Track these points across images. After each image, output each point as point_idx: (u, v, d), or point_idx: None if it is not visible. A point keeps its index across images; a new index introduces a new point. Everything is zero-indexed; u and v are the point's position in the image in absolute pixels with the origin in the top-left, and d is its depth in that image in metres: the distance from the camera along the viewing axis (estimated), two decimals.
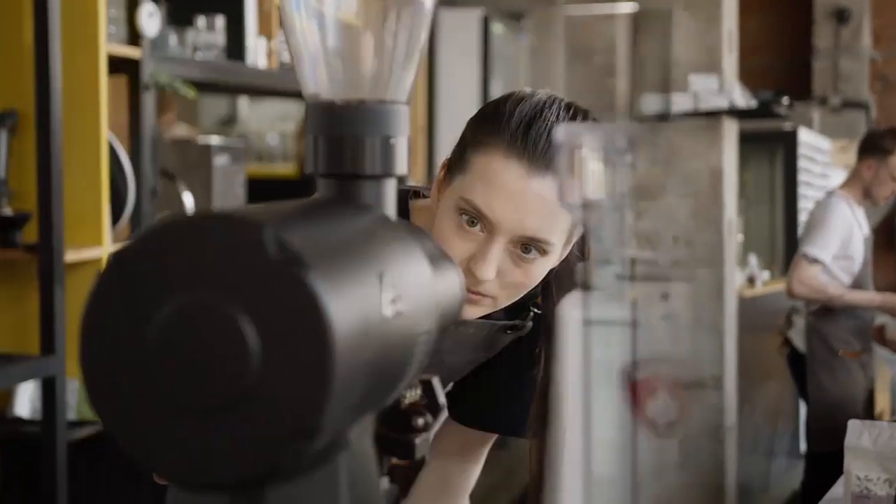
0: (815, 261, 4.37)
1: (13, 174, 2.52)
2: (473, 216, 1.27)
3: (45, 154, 2.44)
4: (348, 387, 0.64)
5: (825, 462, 4.46)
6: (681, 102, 5.16)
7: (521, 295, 1.33)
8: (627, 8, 5.52)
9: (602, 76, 5.35)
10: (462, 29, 4.97)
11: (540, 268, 1.30)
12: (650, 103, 5.24)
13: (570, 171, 0.75)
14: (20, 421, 2.96)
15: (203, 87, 3.48)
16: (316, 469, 0.69)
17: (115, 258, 0.65)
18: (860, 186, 4.53)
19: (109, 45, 2.64)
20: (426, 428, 0.88)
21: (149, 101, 2.78)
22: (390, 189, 0.82)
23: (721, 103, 5.14)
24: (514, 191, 1.25)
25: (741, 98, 5.40)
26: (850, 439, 2.06)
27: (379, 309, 0.69)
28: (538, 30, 5.74)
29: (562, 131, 0.73)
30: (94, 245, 2.55)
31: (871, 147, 4.53)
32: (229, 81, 3.33)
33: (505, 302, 1.32)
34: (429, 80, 4.73)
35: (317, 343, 0.61)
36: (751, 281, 5.54)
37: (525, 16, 5.76)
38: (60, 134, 2.46)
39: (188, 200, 3.05)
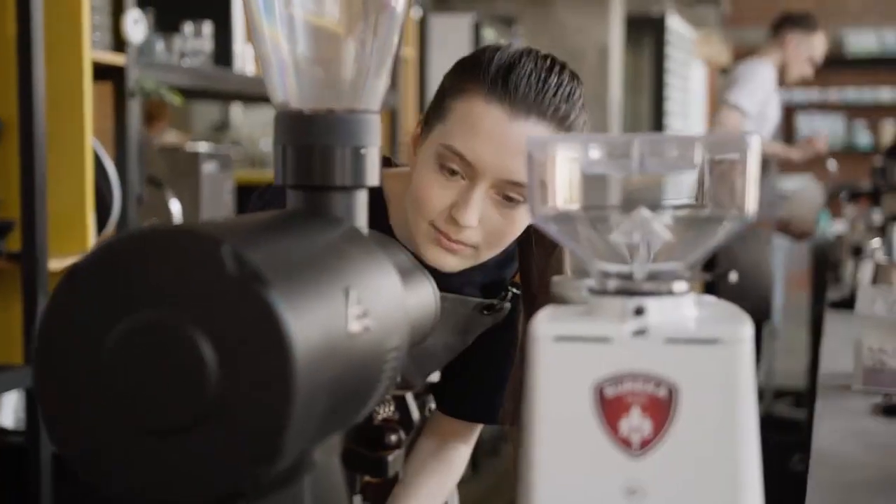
0: (735, 107, 4.43)
1: None
2: (454, 164, 1.25)
3: (29, 161, 2.41)
4: (311, 406, 0.62)
5: None
6: None
7: (504, 247, 1.31)
8: None
9: None
10: (454, 34, 4.95)
11: (523, 216, 1.28)
12: None
13: (543, 182, 0.73)
14: (4, 431, 2.93)
15: (190, 93, 3.46)
16: (280, 491, 0.67)
17: (71, 272, 0.63)
18: (777, 61, 4.59)
19: (94, 51, 2.62)
20: (399, 444, 0.86)
21: (134, 108, 2.75)
22: (361, 200, 0.80)
23: None
24: (495, 134, 1.24)
25: None
26: (861, 307, 1.90)
27: (344, 325, 0.67)
28: (531, 34, 5.74)
29: (534, 142, 0.72)
30: (79, 253, 2.52)
31: (797, 22, 4.59)
32: (217, 88, 3.31)
33: (487, 253, 1.30)
34: (420, 86, 4.71)
35: (276, 361, 0.59)
36: None
37: (517, 20, 5.76)
38: (44, 141, 2.44)
39: (175, 208, 3.03)
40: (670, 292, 0.70)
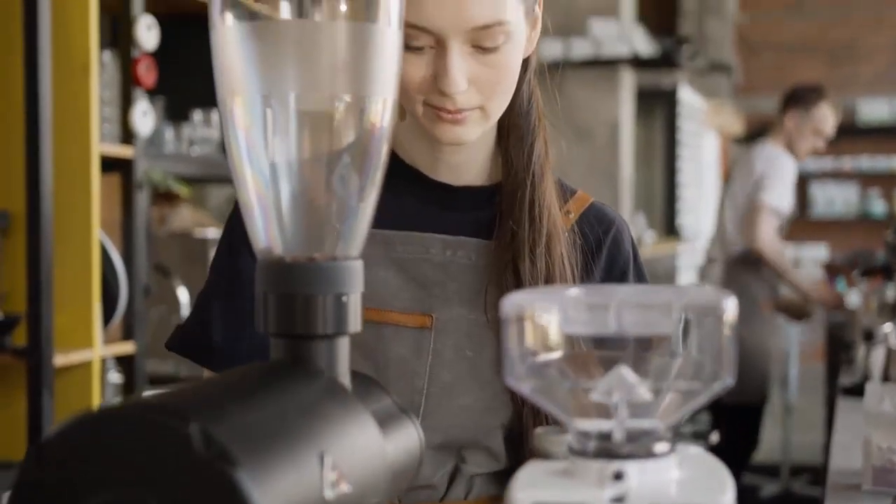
0: (774, 210, 4.41)
1: (4, 276, 2.50)
2: (417, 40, 1.15)
3: (35, 255, 2.42)
4: None
5: (733, 414, 4.47)
6: (580, 47, 5.16)
7: (508, 93, 1.21)
8: None
9: None
10: None
11: (511, 55, 1.19)
12: (547, 49, 5.27)
13: (519, 341, 0.72)
14: None
15: (200, 179, 3.48)
16: None
17: (39, 447, 0.62)
18: (784, 140, 4.59)
19: (102, 144, 2.64)
20: None
21: (142, 199, 2.77)
22: (343, 347, 0.80)
23: (622, 50, 5.14)
24: None
25: (644, 44, 5.39)
26: (869, 404, 1.84)
27: (319, 493, 0.66)
28: None
29: (510, 304, 0.71)
30: (85, 347, 2.52)
31: (796, 100, 4.59)
32: (225, 175, 3.33)
33: (496, 106, 1.21)
34: None
35: None
36: (637, 241, 5.55)
37: None
38: (51, 235, 2.45)
39: (183, 296, 3.03)
40: (651, 454, 0.69)
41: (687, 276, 7.14)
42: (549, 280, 1.26)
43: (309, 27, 0.79)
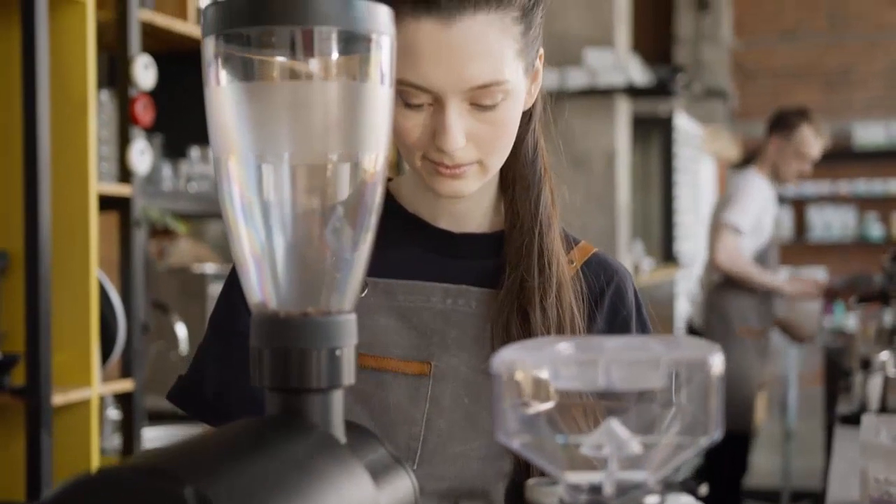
0: (735, 229, 4.44)
1: (3, 315, 2.51)
2: (414, 98, 1.16)
3: (34, 296, 2.43)
4: None
5: (720, 442, 4.44)
6: (576, 77, 5.21)
7: (506, 148, 1.21)
8: None
9: None
10: None
11: (510, 111, 1.19)
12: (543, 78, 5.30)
13: (510, 397, 0.73)
14: None
15: (198, 216, 3.49)
16: None
17: None
18: (769, 164, 4.62)
19: (100, 183, 2.66)
20: None
21: (139, 237, 2.78)
22: (337, 400, 0.81)
23: (617, 79, 5.19)
24: (436, 49, 1.14)
25: (639, 74, 5.43)
26: (865, 436, 1.84)
27: None
28: None
29: (500, 362, 0.72)
30: (84, 386, 2.53)
31: (778, 124, 4.63)
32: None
33: (494, 161, 1.21)
34: None
35: None
36: (635, 269, 5.57)
37: None
38: (49, 275, 2.46)
39: (182, 333, 3.04)
40: None
41: (685, 302, 7.15)
42: (560, 329, 1.27)
43: (302, 88, 0.81)
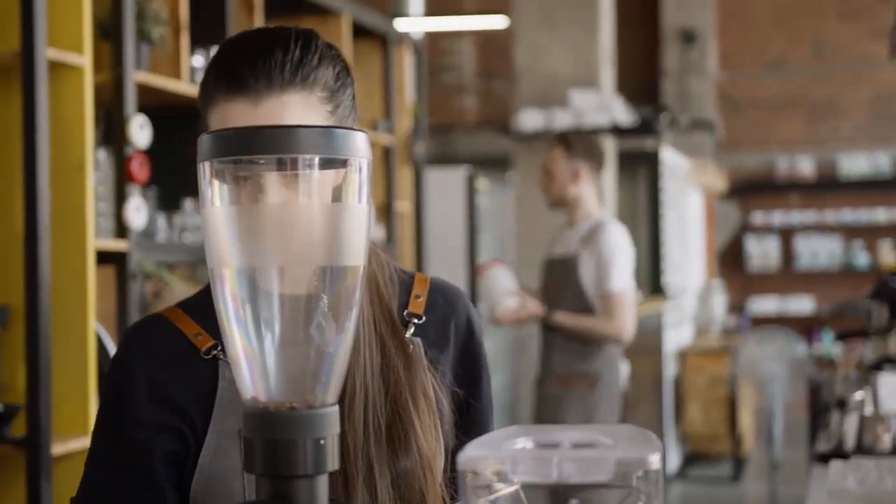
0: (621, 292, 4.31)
1: (4, 368, 2.60)
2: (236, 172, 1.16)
3: (34, 349, 2.52)
4: None
5: None
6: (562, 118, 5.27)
7: None
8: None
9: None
10: (449, 186, 5.10)
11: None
12: (529, 119, 5.30)
13: (473, 488, 0.82)
14: None
15: (192, 263, 3.58)
16: None
17: None
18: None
19: (98, 239, 2.75)
20: None
21: (135, 289, 2.87)
22: (322, 485, 0.90)
23: (602, 120, 5.25)
24: (245, 124, 1.18)
25: (623, 114, 5.52)
26: (834, 481, 1.89)
27: None
28: (525, 178, 5.89)
29: (466, 459, 0.81)
30: (83, 436, 2.61)
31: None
32: None
33: None
34: (417, 239, 4.84)
35: None
36: None
37: (511, 164, 5.92)
38: (49, 328, 2.55)
39: None
40: None
41: (673, 333, 7.24)
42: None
43: (289, 209, 0.90)
